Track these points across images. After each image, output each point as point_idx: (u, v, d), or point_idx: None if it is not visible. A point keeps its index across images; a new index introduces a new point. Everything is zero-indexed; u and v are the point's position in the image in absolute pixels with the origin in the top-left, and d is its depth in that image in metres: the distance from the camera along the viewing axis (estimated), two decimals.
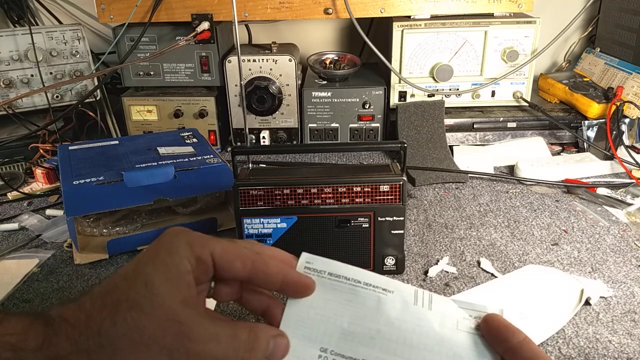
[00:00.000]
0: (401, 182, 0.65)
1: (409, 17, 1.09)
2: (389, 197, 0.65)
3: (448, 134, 1.09)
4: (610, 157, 0.98)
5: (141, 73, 1.13)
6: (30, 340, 0.31)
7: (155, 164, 0.79)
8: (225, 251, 0.36)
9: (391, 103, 1.12)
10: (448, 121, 1.10)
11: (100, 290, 0.33)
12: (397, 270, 0.69)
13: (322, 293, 0.38)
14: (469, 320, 0.38)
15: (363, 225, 0.66)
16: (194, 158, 0.82)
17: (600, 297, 0.64)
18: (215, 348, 0.33)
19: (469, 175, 0.98)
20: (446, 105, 1.09)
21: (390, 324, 0.37)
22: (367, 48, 1.11)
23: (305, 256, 0.39)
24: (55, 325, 0.32)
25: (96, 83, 1.15)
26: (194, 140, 0.91)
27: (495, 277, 0.69)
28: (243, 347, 0.34)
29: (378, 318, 0.37)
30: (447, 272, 0.70)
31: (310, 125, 1.13)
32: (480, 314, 0.38)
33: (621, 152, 0.98)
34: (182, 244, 0.35)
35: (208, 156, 0.83)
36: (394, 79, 1.11)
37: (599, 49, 1.23)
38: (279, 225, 0.67)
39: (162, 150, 0.86)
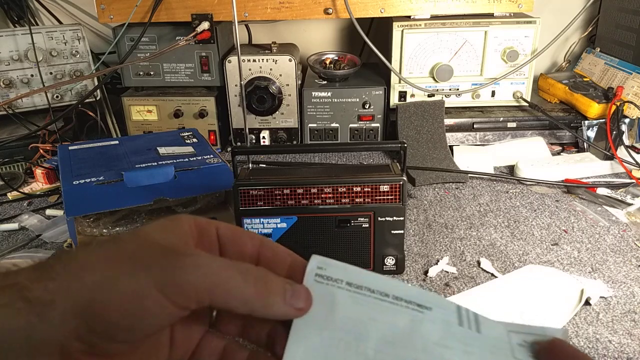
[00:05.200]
0: (401, 182, 0.65)
1: (409, 17, 1.09)
2: (389, 197, 0.65)
3: (448, 134, 1.09)
4: (610, 157, 0.98)
5: (141, 73, 1.13)
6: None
7: (155, 164, 0.79)
8: (233, 229, 0.33)
9: (391, 103, 1.12)
10: (448, 121, 1.10)
11: None
12: (397, 270, 0.69)
13: (340, 309, 0.29)
14: (525, 348, 0.29)
15: (363, 225, 0.66)
16: (194, 158, 0.82)
17: (600, 297, 0.64)
18: (214, 274, 0.27)
19: (469, 175, 0.98)
20: (446, 105, 1.09)
21: (429, 352, 0.28)
22: (367, 48, 1.11)
23: (316, 260, 0.31)
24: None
25: (96, 83, 1.15)
26: (194, 140, 0.91)
27: (495, 277, 0.69)
28: (253, 281, 0.28)
29: (414, 343, 0.28)
30: (447, 272, 0.70)
31: (310, 125, 1.13)
32: (539, 339, 0.30)
33: (621, 152, 0.98)
34: (184, 217, 0.31)
35: (208, 156, 0.83)
36: (394, 79, 1.11)
37: (599, 49, 1.23)
38: (279, 225, 0.67)
39: (162, 150, 0.86)
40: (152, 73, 1.13)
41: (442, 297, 0.31)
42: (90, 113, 1.11)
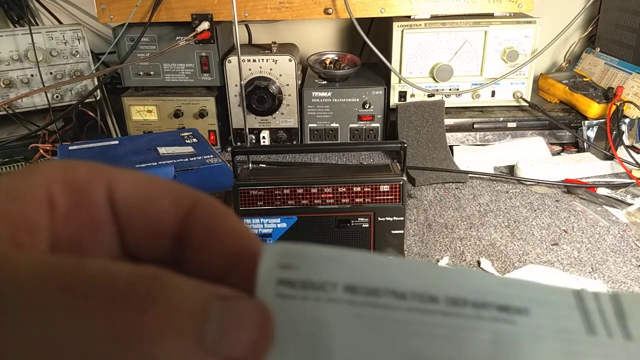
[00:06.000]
0: (401, 182, 0.65)
1: (409, 17, 1.09)
2: (389, 197, 0.65)
3: (448, 134, 1.09)
4: (610, 157, 0.98)
5: (141, 73, 1.13)
6: None
7: (155, 164, 0.79)
8: (141, 186, 0.19)
9: (391, 103, 1.12)
10: (448, 121, 1.10)
11: None
12: None
13: (338, 348, 0.15)
14: None
15: (363, 225, 0.66)
16: (194, 158, 0.82)
17: None
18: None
19: (469, 175, 0.98)
20: (446, 105, 1.09)
21: None
22: (367, 48, 1.11)
23: (274, 251, 0.16)
24: None
25: (96, 83, 1.15)
26: (194, 140, 0.91)
27: None
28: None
29: None
30: None
31: (310, 125, 1.13)
32: None
33: (621, 152, 0.98)
34: (43, 170, 0.18)
35: (208, 156, 0.83)
36: (394, 79, 1.11)
37: (599, 49, 1.23)
38: (279, 225, 0.67)
39: (162, 150, 0.86)
40: (152, 73, 1.13)
41: (544, 282, 0.16)
42: (90, 113, 1.11)
